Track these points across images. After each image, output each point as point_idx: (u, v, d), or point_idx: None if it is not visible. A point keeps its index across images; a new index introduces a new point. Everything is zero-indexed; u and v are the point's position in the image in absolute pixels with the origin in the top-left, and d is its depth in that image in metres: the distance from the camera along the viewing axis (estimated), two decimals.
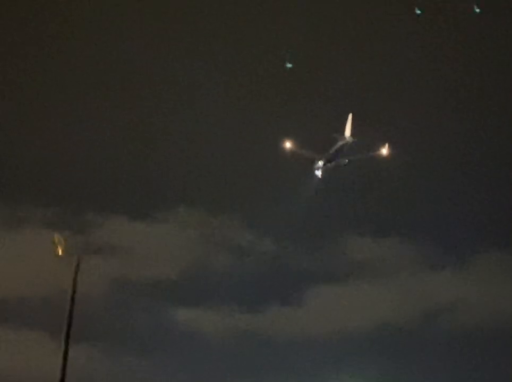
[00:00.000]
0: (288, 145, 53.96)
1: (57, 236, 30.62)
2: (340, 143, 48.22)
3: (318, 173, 51.65)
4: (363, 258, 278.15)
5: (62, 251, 30.48)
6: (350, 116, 47.81)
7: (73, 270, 30.28)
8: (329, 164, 49.44)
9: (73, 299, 29.72)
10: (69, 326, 29.13)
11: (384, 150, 54.90)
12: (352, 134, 48.02)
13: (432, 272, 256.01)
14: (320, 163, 50.13)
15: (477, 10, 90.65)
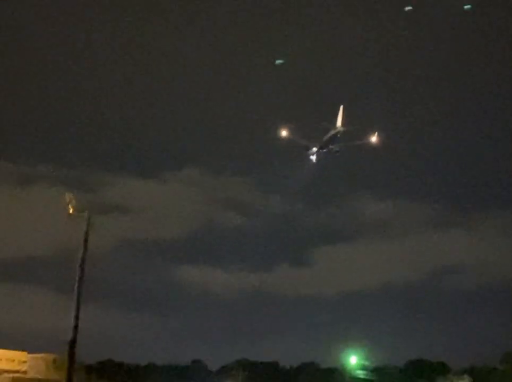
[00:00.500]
0: (284, 133, 55.99)
1: (68, 195, 30.60)
2: (332, 132, 50.99)
3: (313, 158, 53.56)
4: (371, 218, 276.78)
5: (73, 209, 30.46)
6: (341, 108, 50.58)
7: (84, 228, 30.33)
8: (321, 151, 52.04)
9: (84, 257, 29.85)
10: (80, 284, 29.29)
11: (374, 138, 56.92)
12: (343, 124, 50.62)
13: (440, 233, 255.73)
14: (314, 150, 52.66)
15: (468, 6, 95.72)
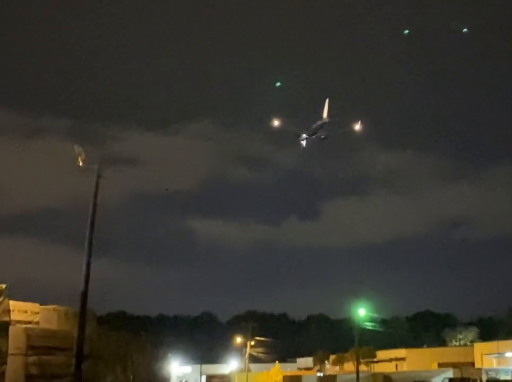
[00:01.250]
0: (276, 123, 61.57)
1: (77, 147, 30.40)
2: (318, 123, 56.30)
3: (303, 143, 58.97)
4: (380, 171, 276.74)
5: (82, 162, 30.32)
6: (327, 101, 55.74)
7: (94, 181, 30.26)
8: (310, 137, 57.78)
9: (94, 210, 29.84)
10: (91, 236, 29.36)
11: (357, 126, 61.50)
12: (328, 115, 55.98)
13: (448, 185, 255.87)
14: (304, 136, 58.06)
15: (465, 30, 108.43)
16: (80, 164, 30.28)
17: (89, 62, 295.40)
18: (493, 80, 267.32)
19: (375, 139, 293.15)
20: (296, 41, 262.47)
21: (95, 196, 30.02)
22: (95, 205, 29.96)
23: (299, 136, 59.27)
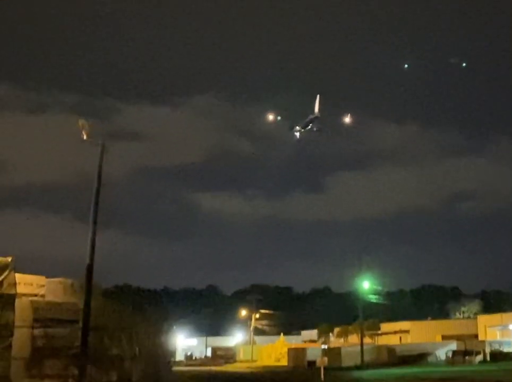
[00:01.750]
0: (270, 117, 65.97)
1: (81, 121, 30.37)
2: (310, 117, 59.89)
3: (297, 134, 62.36)
4: (385, 144, 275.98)
5: (87, 136, 30.30)
6: (318, 97, 59.37)
7: (99, 155, 30.27)
8: (303, 130, 61.30)
9: (99, 184, 29.88)
10: (96, 210, 29.45)
11: (347, 119, 65.66)
12: (320, 110, 59.65)
13: (454, 159, 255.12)
14: (297, 128, 61.43)
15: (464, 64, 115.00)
16: (85, 138, 30.27)
17: (93, 37, 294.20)
18: (498, 53, 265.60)
19: (380, 113, 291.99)
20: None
21: (100, 170, 30.05)
22: (100, 178, 30.00)
23: (293, 128, 62.48)
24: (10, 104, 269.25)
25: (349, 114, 65.18)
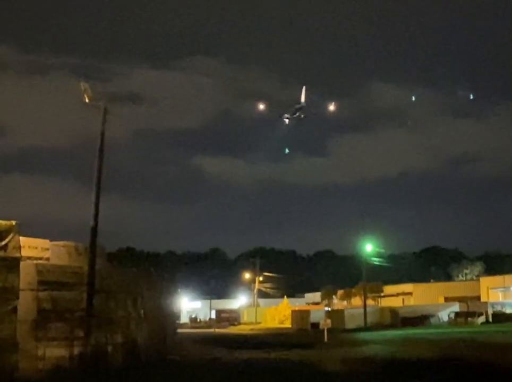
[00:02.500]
0: (261, 106, 72.10)
1: (83, 84, 30.08)
2: (297, 106, 64.85)
3: (286, 121, 67.24)
4: (387, 106, 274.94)
5: (89, 99, 30.06)
6: (304, 88, 65.01)
7: (100, 118, 30.06)
8: (292, 116, 66.13)
9: (102, 147, 29.74)
10: (99, 171, 29.35)
11: (331, 107, 71.93)
12: (305, 100, 64.96)
13: (456, 121, 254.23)
14: (286, 115, 66.43)
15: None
16: (87, 101, 30.02)
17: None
18: (502, 17, 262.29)
19: (382, 75, 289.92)
20: None
21: (102, 133, 29.87)
22: (102, 142, 29.84)
23: (282, 115, 67.71)
24: (11, 66, 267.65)
25: (333, 103, 72.31)
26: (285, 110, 67.12)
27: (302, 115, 66.26)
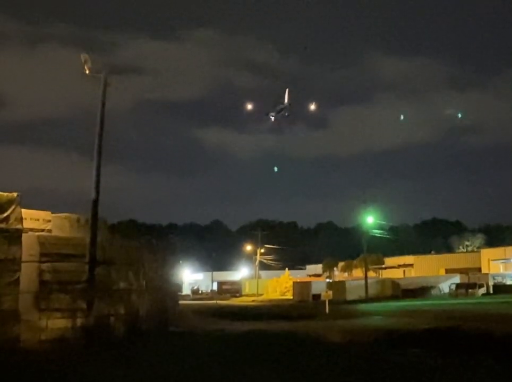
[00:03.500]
0: (249, 106, 78.37)
1: (83, 55, 29.84)
2: (281, 106, 70.46)
3: (272, 118, 72.61)
4: (389, 77, 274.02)
5: (89, 70, 29.83)
6: (287, 90, 70.62)
7: (101, 89, 29.88)
8: (277, 114, 71.76)
9: (102, 119, 29.61)
10: (100, 145, 29.26)
11: (312, 107, 79.41)
12: (289, 101, 70.09)
13: (458, 92, 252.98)
14: (272, 114, 72.10)
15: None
16: (87, 72, 29.80)
17: None
18: None
19: (382, 45, 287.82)
20: None
21: (103, 105, 29.72)
22: (103, 113, 29.70)
23: (268, 114, 73.27)
24: (9, 36, 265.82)
25: (314, 102, 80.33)
26: (271, 109, 73.35)
27: (286, 114, 72.39)
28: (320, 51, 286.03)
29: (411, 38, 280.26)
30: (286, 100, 70.32)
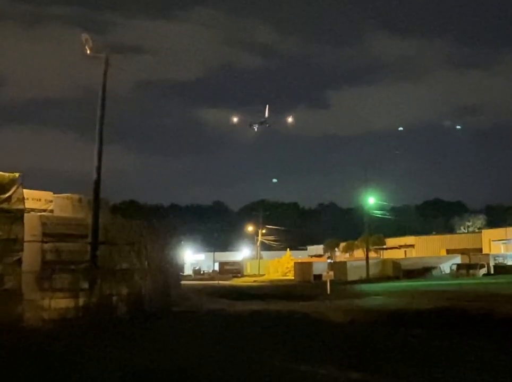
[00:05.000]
0: (234, 119, 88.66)
1: (84, 35, 29.70)
2: (261, 119, 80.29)
3: (255, 128, 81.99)
4: (390, 57, 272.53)
5: (90, 50, 29.71)
6: (267, 106, 79.95)
7: (102, 70, 29.78)
8: (259, 125, 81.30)
9: (103, 99, 29.53)
10: (101, 125, 29.22)
11: (290, 119, 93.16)
12: (268, 115, 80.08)
13: (460, 73, 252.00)
14: (254, 125, 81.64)
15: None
16: (88, 52, 29.67)
17: None
18: None
19: (384, 25, 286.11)
20: None
21: (104, 85, 29.62)
22: (104, 94, 29.62)
23: (251, 125, 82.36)
24: (9, 17, 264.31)
25: (291, 116, 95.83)
26: (254, 121, 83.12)
27: (267, 125, 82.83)
28: (321, 31, 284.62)
29: (412, 18, 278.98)
30: (266, 115, 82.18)
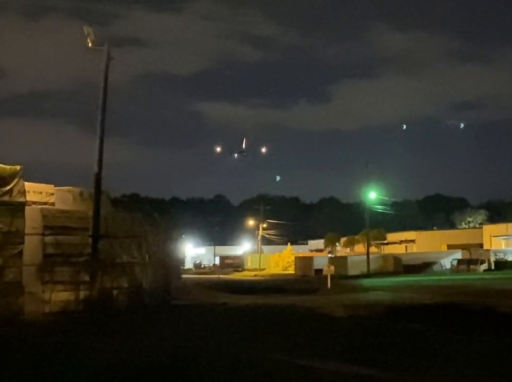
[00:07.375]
0: (218, 149, 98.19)
1: (86, 28, 29.59)
2: (240, 150, 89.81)
3: (235, 156, 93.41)
4: (391, 51, 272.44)
5: (92, 42, 29.61)
6: (245, 139, 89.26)
7: (103, 62, 29.69)
8: (238, 154, 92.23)
9: (105, 92, 29.45)
10: (102, 118, 29.15)
11: (263, 149, 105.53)
12: (246, 146, 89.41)
13: (460, 67, 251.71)
14: (234, 154, 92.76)
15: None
16: (90, 44, 29.56)
17: None
18: None
19: (385, 19, 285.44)
20: None
21: (106, 78, 29.54)
22: (105, 87, 29.53)
23: (231, 153, 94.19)
24: (9, 8, 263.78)
25: (264, 146, 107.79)
26: (234, 150, 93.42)
27: (244, 154, 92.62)
28: (321, 24, 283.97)
29: (414, 11, 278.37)
30: (244, 146, 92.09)
